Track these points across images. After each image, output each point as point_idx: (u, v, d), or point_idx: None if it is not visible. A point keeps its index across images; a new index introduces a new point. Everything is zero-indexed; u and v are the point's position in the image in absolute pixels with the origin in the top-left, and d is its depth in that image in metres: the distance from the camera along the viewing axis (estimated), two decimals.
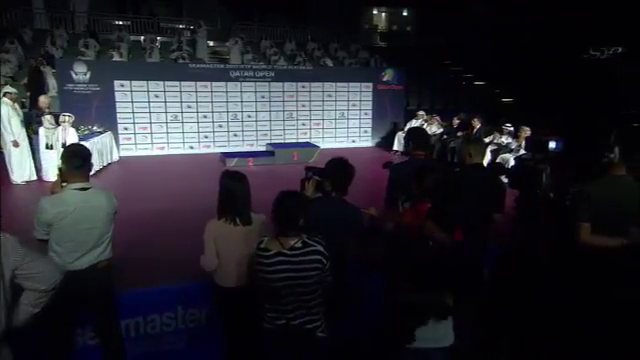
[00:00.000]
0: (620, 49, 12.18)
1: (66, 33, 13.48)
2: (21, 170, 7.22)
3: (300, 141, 11.19)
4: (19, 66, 11.20)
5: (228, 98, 10.77)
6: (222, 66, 11.48)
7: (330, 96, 11.76)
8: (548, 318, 3.26)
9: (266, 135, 11.17)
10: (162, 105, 10.23)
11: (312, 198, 2.78)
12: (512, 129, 8.59)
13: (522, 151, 7.74)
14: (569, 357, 3.17)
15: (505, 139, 8.55)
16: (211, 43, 14.73)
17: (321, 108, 11.73)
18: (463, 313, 2.75)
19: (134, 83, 9.94)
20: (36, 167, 7.49)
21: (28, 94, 10.01)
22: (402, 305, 2.35)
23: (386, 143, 11.56)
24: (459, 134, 9.50)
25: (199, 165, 9.03)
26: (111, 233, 2.70)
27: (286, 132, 11.42)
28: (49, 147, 7.33)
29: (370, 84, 12.00)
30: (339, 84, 11.76)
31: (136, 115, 10.06)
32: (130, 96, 9.96)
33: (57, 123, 7.48)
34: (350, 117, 12.03)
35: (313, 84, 11.50)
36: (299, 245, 2.21)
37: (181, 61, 12.15)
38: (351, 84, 11.86)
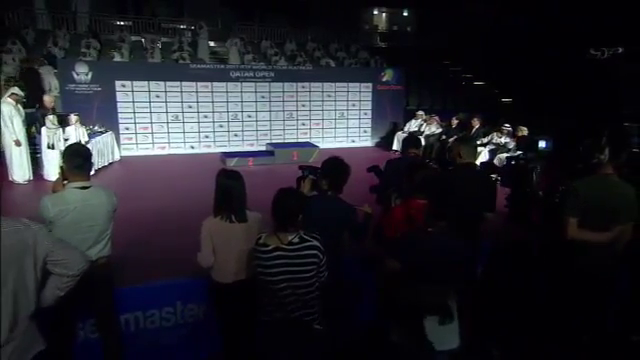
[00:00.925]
0: (620, 49, 12.20)
1: (68, 33, 13.54)
2: (21, 169, 7.28)
3: (300, 141, 11.26)
4: (21, 66, 11.26)
5: (228, 98, 10.84)
6: (223, 66, 11.56)
7: (330, 96, 11.83)
8: (538, 312, 3.33)
9: (266, 135, 11.24)
10: (163, 105, 10.32)
11: (308, 196, 2.85)
12: (510, 129, 8.64)
13: (519, 151, 7.82)
14: (558, 352, 3.24)
15: (504, 139, 8.60)
16: (212, 43, 14.78)
17: (321, 108, 11.80)
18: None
19: (135, 83, 10.03)
20: (35, 167, 7.54)
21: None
22: (405, 303, 2.41)
23: (385, 143, 11.61)
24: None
25: (199, 165, 9.07)
26: (111, 230, 2.76)
27: (286, 132, 11.49)
28: (51, 147, 7.41)
29: (370, 84, 12.06)
30: (339, 84, 11.82)
31: (137, 115, 10.14)
32: (131, 96, 10.05)
33: (60, 123, 7.56)
34: (350, 117, 12.09)
35: (313, 84, 11.57)
36: (296, 240, 2.29)
37: (182, 61, 12.22)
38: (351, 84, 11.93)
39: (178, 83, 10.36)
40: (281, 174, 7.98)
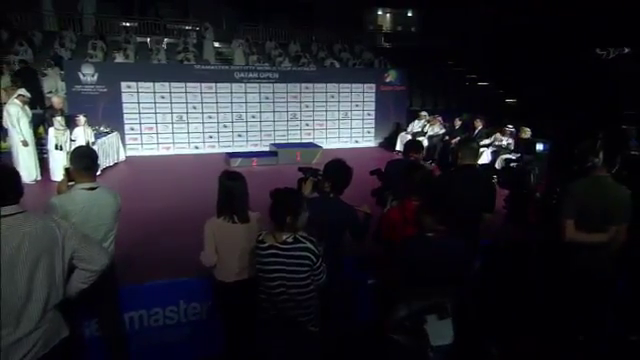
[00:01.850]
0: (627, 49, 12.14)
1: (74, 35, 13.65)
2: (28, 170, 7.36)
3: (303, 141, 11.30)
4: (21, 69, 11.32)
5: (233, 99, 10.92)
6: (227, 67, 11.62)
7: (333, 97, 11.88)
8: (537, 311, 3.37)
9: (270, 135, 11.30)
10: (168, 106, 10.41)
11: (309, 198, 2.89)
12: (513, 130, 8.64)
13: (518, 154, 7.82)
14: (557, 351, 3.28)
15: (506, 140, 8.60)
16: (217, 44, 14.86)
17: (324, 109, 11.85)
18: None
19: (140, 84, 10.13)
20: (42, 167, 7.62)
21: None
22: (401, 303, 2.44)
23: (389, 144, 11.64)
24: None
25: (204, 165, 9.13)
26: (115, 230, 2.83)
27: (290, 132, 11.54)
28: (58, 148, 7.51)
29: (373, 85, 12.10)
30: (342, 85, 11.87)
31: (142, 115, 10.24)
32: (136, 97, 10.15)
33: (67, 124, 7.65)
34: (353, 118, 12.13)
35: (317, 85, 11.62)
36: (290, 240, 2.33)
37: (187, 62, 12.31)
38: (354, 85, 11.97)
39: (183, 84, 10.44)
40: (284, 174, 8.05)
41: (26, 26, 13.60)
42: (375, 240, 3.06)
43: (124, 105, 10.03)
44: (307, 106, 11.65)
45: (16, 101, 7.26)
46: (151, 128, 10.35)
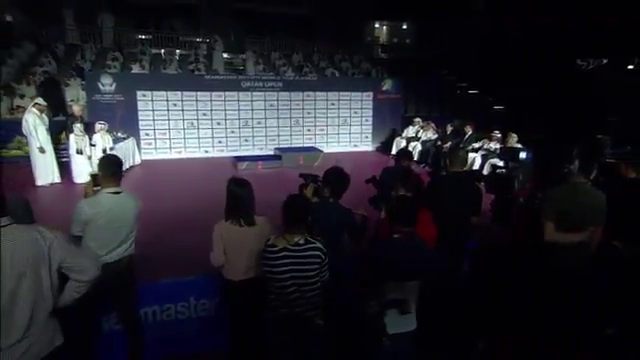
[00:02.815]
0: (605, 60, 12.15)
1: (94, 47, 13.70)
2: (45, 173, 7.38)
3: (305, 146, 11.31)
4: (45, 80, 11.40)
5: (240, 106, 10.94)
6: (235, 77, 11.63)
7: (334, 104, 11.89)
8: (520, 306, 3.38)
9: (274, 140, 11.31)
10: (180, 113, 10.44)
11: (312, 202, 2.92)
12: (500, 136, 8.64)
13: (502, 161, 7.83)
14: (539, 344, 3.29)
15: (493, 145, 8.61)
16: (226, 55, 14.89)
17: (325, 115, 11.86)
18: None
19: (155, 93, 10.16)
20: (62, 170, 7.65)
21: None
22: (372, 298, 2.43)
23: (385, 148, 11.64)
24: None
25: (213, 168, 9.18)
26: (135, 231, 2.87)
27: (293, 137, 11.56)
28: (79, 152, 7.55)
29: (370, 93, 12.11)
30: (342, 93, 11.88)
31: (156, 122, 10.28)
32: (151, 105, 10.18)
33: (86, 131, 7.70)
34: (352, 123, 12.13)
35: (318, 93, 11.63)
36: (302, 242, 2.36)
37: (197, 72, 12.34)
38: (353, 93, 11.98)
39: (194, 93, 10.47)
40: (288, 177, 8.10)
41: (50, 40, 13.63)
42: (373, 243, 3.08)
43: (139, 112, 10.07)
44: (309, 113, 11.67)
45: (33, 109, 7.28)
46: (164, 133, 10.39)
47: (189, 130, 10.57)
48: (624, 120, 9.86)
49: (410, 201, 2.46)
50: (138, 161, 9.57)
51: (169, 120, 10.37)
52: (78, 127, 7.62)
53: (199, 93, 10.50)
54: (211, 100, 10.64)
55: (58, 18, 14.27)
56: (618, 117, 10.10)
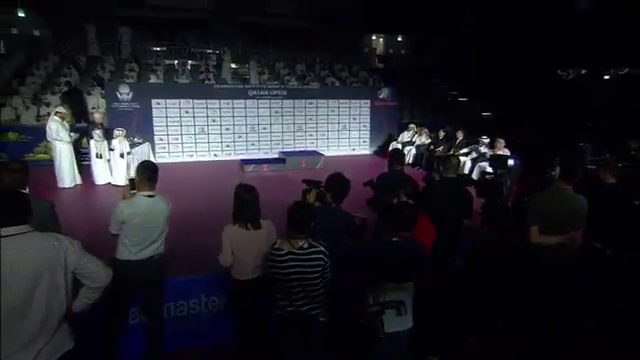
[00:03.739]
0: (583, 71, 12.14)
1: (113, 59, 13.71)
2: (68, 176, 7.39)
3: (308, 149, 11.29)
4: (69, 89, 11.43)
5: (247, 113, 10.91)
6: (242, 86, 11.62)
7: (334, 111, 11.86)
8: (508, 302, 3.38)
9: (279, 144, 11.28)
10: (191, 119, 10.43)
11: (315, 207, 2.90)
12: (488, 140, 8.61)
13: (491, 167, 7.81)
14: (525, 337, 3.28)
15: (483, 149, 8.58)
16: (233, 65, 14.88)
17: (326, 121, 11.82)
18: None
19: (168, 101, 10.15)
20: (83, 173, 7.65)
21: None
22: (370, 296, 2.41)
23: (382, 151, 11.59)
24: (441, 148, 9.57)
25: (222, 170, 9.18)
26: (166, 232, 2.87)
27: (296, 142, 11.52)
28: (98, 156, 7.56)
29: (368, 101, 12.06)
30: (342, 101, 11.85)
31: (170, 128, 10.26)
32: (165, 112, 10.17)
33: (105, 136, 7.70)
34: (351, 129, 12.10)
35: (319, 101, 11.60)
36: (306, 246, 2.35)
37: (207, 82, 12.34)
38: (352, 101, 11.94)
39: (204, 101, 10.45)
40: (291, 179, 8.06)
41: (73, 52, 13.64)
42: None
43: (154, 119, 10.07)
44: (311, 119, 11.64)
45: (55, 117, 7.30)
46: (177, 138, 10.37)
47: (200, 135, 10.56)
48: (603, 127, 9.84)
49: (410, 208, 2.44)
50: None
51: (181, 126, 10.36)
52: (97, 133, 7.63)
53: (209, 101, 10.49)
54: (220, 107, 10.62)
55: (80, 32, 14.27)
56: (597, 124, 10.08)
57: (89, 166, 7.74)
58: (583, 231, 3.01)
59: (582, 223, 2.99)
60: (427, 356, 3.12)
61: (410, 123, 11.61)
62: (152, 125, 10.02)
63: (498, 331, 3.45)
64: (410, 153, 10.09)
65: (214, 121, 10.63)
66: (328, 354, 2.62)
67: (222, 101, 10.59)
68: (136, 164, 7.98)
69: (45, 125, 7.56)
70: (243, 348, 2.97)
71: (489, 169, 7.65)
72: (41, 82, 11.69)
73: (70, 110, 7.76)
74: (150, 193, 2.75)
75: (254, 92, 10.96)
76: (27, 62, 12.60)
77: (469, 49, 15.94)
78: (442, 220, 3.00)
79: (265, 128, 11.16)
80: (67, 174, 7.38)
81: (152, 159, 9.54)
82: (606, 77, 12.14)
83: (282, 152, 10.69)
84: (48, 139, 7.45)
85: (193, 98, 10.36)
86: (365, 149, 12.25)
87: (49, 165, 7.53)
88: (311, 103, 11.52)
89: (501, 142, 7.98)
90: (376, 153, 12.06)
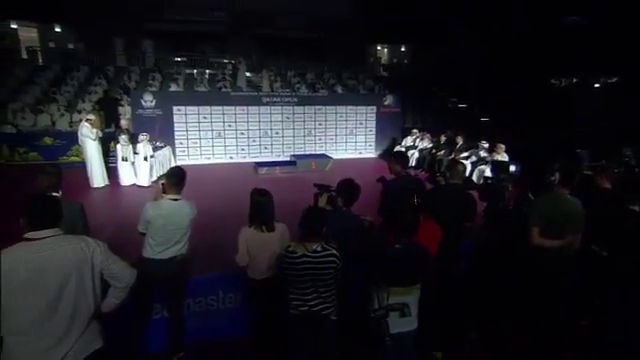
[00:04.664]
0: (575, 79, 11.93)
1: (138, 69, 13.85)
2: (98, 177, 7.48)
3: (317, 153, 11.25)
4: (104, 96, 11.58)
5: (260, 119, 10.90)
6: (256, 93, 11.63)
7: (342, 117, 11.79)
8: (506, 296, 3.30)
9: (290, 148, 11.25)
10: (209, 124, 10.45)
11: (327, 210, 2.85)
12: (487, 145, 8.47)
13: (493, 173, 7.66)
14: (523, 334, 3.20)
15: (482, 153, 8.44)
16: (248, 74, 14.92)
17: (334, 126, 11.75)
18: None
19: (188, 108, 10.19)
20: (110, 175, 7.71)
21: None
22: (375, 298, 2.35)
23: (386, 155, 11.49)
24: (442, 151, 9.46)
25: (237, 171, 9.21)
26: (189, 234, 2.83)
27: (306, 145, 11.47)
28: (124, 159, 7.62)
29: (374, 107, 11.97)
30: (349, 107, 11.76)
31: (189, 132, 10.29)
32: (185, 118, 10.21)
33: (131, 141, 7.76)
34: (357, 133, 12.01)
35: (328, 107, 11.54)
36: (319, 249, 2.31)
37: (224, 89, 12.37)
38: (358, 107, 11.85)
39: (221, 107, 10.47)
40: (302, 180, 8.07)
41: (103, 63, 13.81)
42: None
43: (175, 124, 10.11)
44: (320, 124, 11.59)
45: (86, 124, 7.38)
46: (196, 142, 10.40)
47: (217, 139, 10.58)
48: (591, 132, 9.64)
49: (413, 214, 2.38)
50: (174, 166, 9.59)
51: (200, 131, 10.39)
52: (123, 138, 7.68)
53: (225, 107, 10.50)
54: (235, 113, 10.63)
55: (109, 45, 14.45)
56: (588, 129, 9.87)
57: (115, 168, 7.80)
58: (581, 234, 2.93)
59: (580, 227, 2.91)
60: (431, 352, 3.06)
61: (413, 128, 11.49)
62: (173, 130, 10.07)
63: (499, 328, 3.36)
64: (413, 156, 9.99)
65: (230, 126, 10.65)
66: (337, 351, 2.57)
67: (237, 107, 10.60)
68: (158, 166, 8.17)
69: (77, 130, 7.65)
70: (257, 342, 2.95)
71: (488, 172, 7.57)
72: (74, 91, 11.85)
73: (100, 117, 7.81)
74: (175, 197, 2.74)
75: (267, 99, 10.95)
76: (62, 73, 12.79)
77: (467, 59, 15.75)
78: (447, 223, 2.93)
79: (277, 133, 11.14)
80: (97, 175, 7.46)
81: (173, 162, 9.61)
82: (596, 85, 11.93)
83: (293, 155, 10.66)
84: (79, 143, 7.53)
85: (211, 105, 10.38)
86: (371, 152, 12.16)
87: (81, 167, 7.62)
88: (320, 109, 11.47)
89: (501, 147, 7.85)
90: (381, 156, 11.96)
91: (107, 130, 9.11)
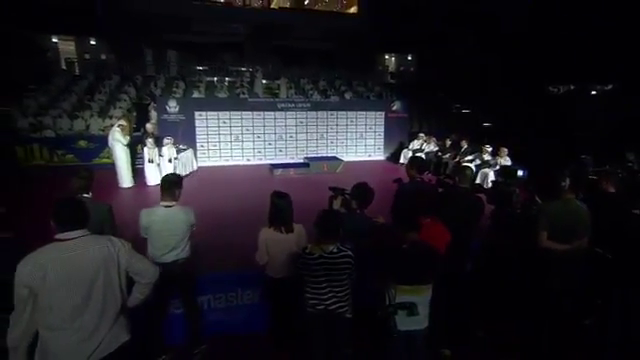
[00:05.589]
0: (572, 86, 11.59)
1: (164, 77, 14.02)
2: (127, 178, 7.57)
3: (329, 155, 11.18)
4: (133, 103, 11.75)
5: (276, 123, 10.90)
6: (272, 99, 11.64)
7: (352, 121, 11.70)
8: (513, 296, 3.20)
9: (304, 150, 11.21)
10: (228, 129, 10.49)
11: (342, 213, 2.81)
12: (491, 149, 8.28)
13: (497, 166, 7.49)
14: (528, 333, 3.09)
15: (486, 157, 8.25)
16: (264, 81, 14.95)
17: (345, 130, 11.67)
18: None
19: (209, 113, 10.24)
20: (137, 176, 7.77)
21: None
22: (386, 296, 2.29)
23: (394, 157, 11.39)
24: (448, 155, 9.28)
25: (254, 173, 9.21)
26: (187, 239, 2.74)
27: (319, 148, 11.43)
28: (150, 161, 7.70)
29: (382, 112, 11.84)
30: (359, 112, 11.67)
31: (209, 136, 10.35)
32: (206, 122, 10.27)
33: (156, 144, 7.83)
34: (367, 137, 11.90)
35: (339, 112, 11.47)
36: (335, 250, 2.27)
37: (242, 96, 12.42)
38: (368, 112, 11.75)
39: (239, 112, 10.50)
40: (315, 181, 8.03)
41: (132, 72, 14.02)
42: None
43: (197, 129, 10.18)
44: (332, 128, 11.53)
45: (117, 128, 7.48)
46: (216, 145, 10.45)
47: (235, 142, 10.61)
48: (590, 137, 9.34)
49: (412, 212, 2.31)
50: (195, 168, 9.67)
51: (219, 134, 10.43)
52: (150, 141, 7.77)
53: (243, 113, 10.52)
54: (252, 118, 10.64)
55: (138, 55, 14.65)
56: (586, 134, 9.56)
57: (142, 169, 7.89)
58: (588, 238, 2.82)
59: (587, 232, 2.80)
60: (439, 349, 2.98)
61: (419, 132, 11.34)
62: (195, 134, 10.13)
63: (505, 326, 3.26)
64: None
65: (247, 130, 10.67)
66: (351, 347, 2.51)
67: (255, 112, 10.62)
68: (181, 168, 8.22)
69: (108, 134, 7.77)
70: (275, 338, 2.91)
71: (492, 175, 7.39)
72: (106, 98, 12.06)
73: (129, 123, 7.92)
74: (169, 203, 2.64)
75: (282, 105, 10.94)
76: (95, 81, 13.04)
77: (470, 67, 15.48)
78: (456, 226, 2.85)
79: (292, 136, 11.13)
80: (125, 176, 7.55)
81: (195, 163, 9.69)
82: (593, 92, 11.57)
83: (307, 157, 10.62)
84: (109, 145, 7.65)
85: (230, 110, 10.42)
86: (380, 155, 12.04)
87: (111, 168, 7.74)
88: (332, 114, 11.41)
89: (504, 151, 7.68)
90: (388, 159, 11.85)
91: (135, 134, 9.23)
